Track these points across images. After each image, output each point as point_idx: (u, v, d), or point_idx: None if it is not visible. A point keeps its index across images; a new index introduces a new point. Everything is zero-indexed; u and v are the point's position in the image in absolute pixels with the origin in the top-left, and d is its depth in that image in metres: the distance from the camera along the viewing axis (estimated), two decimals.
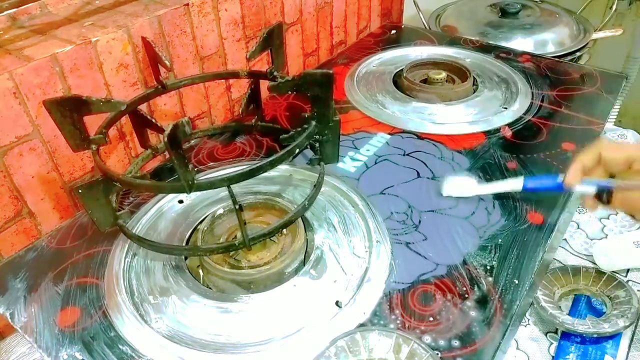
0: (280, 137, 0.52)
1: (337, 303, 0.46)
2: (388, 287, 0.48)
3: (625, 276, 0.68)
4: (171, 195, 0.60)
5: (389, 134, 0.70)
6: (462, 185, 0.58)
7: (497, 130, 0.70)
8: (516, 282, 0.48)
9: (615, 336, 0.60)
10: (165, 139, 0.37)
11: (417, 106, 0.76)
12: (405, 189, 0.60)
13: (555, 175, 0.50)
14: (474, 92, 0.80)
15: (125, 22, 0.59)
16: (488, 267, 0.50)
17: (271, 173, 0.61)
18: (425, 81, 0.82)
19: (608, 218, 0.78)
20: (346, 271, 0.50)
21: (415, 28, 1.05)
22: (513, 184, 0.54)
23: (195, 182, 0.41)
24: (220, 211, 0.55)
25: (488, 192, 0.58)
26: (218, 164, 0.65)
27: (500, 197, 0.58)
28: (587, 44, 1.08)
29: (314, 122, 0.49)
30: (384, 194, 0.60)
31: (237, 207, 0.45)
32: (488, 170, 0.62)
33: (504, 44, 1.00)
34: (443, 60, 0.86)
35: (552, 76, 0.83)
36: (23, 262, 0.53)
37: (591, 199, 0.48)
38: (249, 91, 0.60)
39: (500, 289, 0.48)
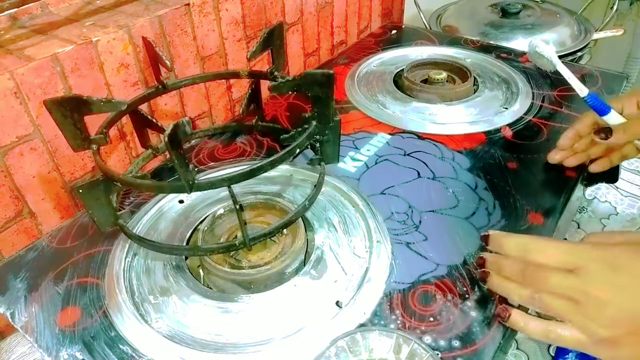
0: (281, 137, 0.52)
1: (337, 303, 0.46)
2: (388, 287, 0.48)
3: None
4: (172, 195, 0.60)
5: (390, 134, 0.70)
6: (551, 49, 0.62)
7: (498, 130, 0.70)
8: None
9: None
10: (166, 139, 0.37)
11: (417, 106, 0.76)
12: (405, 189, 0.60)
13: (607, 108, 0.55)
14: (475, 92, 0.80)
15: (126, 22, 0.59)
16: None
17: (272, 173, 0.61)
18: (425, 81, 0.82)
19: (608, 218, 0.78)
20: (346, 271, 0.50)
21: (415, 28, 1.05)
22: (580, 87, 0.57)
23: (196, 182, 0.41)
24: (221, 211, 0.55)
25: (559, 68, 0.60)
26: (218, 163, 0.65)
27: (500, 197, 0.58)
28: (588, 44, 1.08)
29: (314, 122, 0.49)
30: (385, 194, 0.60)
31: (237, 207, 0.45)
32: (488, 170, 0.62)
33: (504, 44, 1.00)
34: (444, 60, 0.86)
35: (552, 76, 0.83)
36: (23, 262, 0.53)
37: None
38: (250, 91, 0.60)
39: None
